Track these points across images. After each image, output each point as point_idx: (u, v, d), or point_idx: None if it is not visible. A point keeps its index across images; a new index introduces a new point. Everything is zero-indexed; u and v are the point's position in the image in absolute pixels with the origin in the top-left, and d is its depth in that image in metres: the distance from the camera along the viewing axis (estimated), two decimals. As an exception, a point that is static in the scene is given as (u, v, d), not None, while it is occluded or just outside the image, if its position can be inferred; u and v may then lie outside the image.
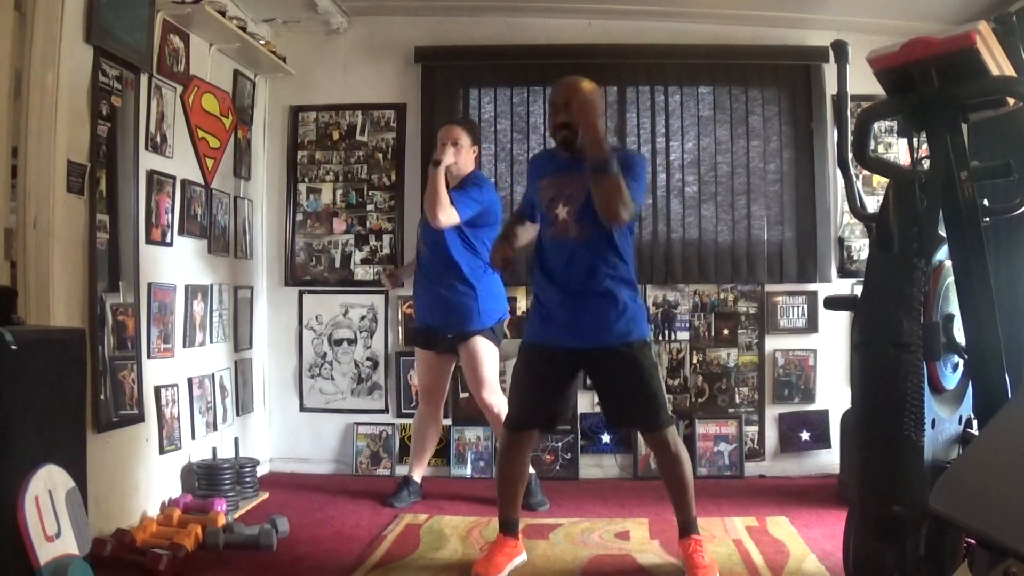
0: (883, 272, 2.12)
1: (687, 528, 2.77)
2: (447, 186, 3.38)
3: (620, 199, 2.53)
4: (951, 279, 2.11)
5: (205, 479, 3.44)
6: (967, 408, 2.19)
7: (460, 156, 3.48)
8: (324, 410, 4.36)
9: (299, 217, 4.42)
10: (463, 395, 4.24)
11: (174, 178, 3.51)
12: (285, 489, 3.88)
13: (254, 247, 4.34)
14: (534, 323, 2.83)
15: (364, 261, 4.37)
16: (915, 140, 2.10)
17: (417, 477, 3.74)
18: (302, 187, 4.41)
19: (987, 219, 2.05)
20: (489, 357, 3.51)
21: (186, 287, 3.61)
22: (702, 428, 4.23)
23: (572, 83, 2.73)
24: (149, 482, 3.25)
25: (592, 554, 2.94)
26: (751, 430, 4.27)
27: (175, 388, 3.48)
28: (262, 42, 4.02)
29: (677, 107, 4.33)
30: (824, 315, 4.23)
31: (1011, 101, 2.02)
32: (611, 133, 4.27)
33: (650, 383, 2.70)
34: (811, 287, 4.29)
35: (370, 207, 4.37)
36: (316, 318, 4.38)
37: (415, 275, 3.69)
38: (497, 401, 3.49)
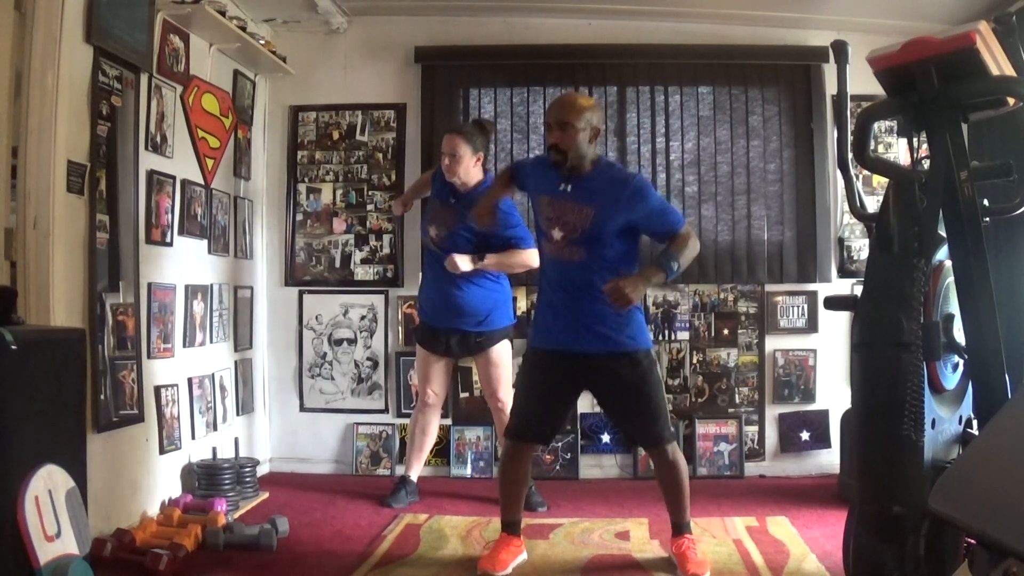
0: (883, 272, 2.12)
1: (680, 529, 2.84)
2: (458, 195, 3.47)
3: (690, 258, 2.69)
4: (951, 279, 2.11)
5: (205, 479, 3.44)
6: (967, 408, 2.19)
7: (460, 167, 3.43)
8: (324, 410, 4.35)
9: (299, 217, 4.41)
10: (463, 395, 4.25)
11: (174, 178, 3.51)
12: (285, 489, 3.88)
13: (254, 247, 4.34)
14: (540, 328, 2.84)
15: (364, 261, 4.37)
16: (915, 140, 2.10)
17: (414, 477, 3.74)
18: (302, 187, 4.41)
19: (987, 219, 2.05)
20: (509, 356, 3.62)
21: (186, 287, 3.61)
22: (702, 428, 4.23)
23: (564, 101, 2.74)
24: (149, 482, 3.25)
25: (592, 554, 2.94)
26: (751, 430, 4.27)
27: (175, 388, 3.48)
28: (262, 42, 4.01)
29: (677, 107, 4.33)
30: (824, 315, 4.22)
31: (1011, 101, 2.03)
32: (611, 133, 4.27)
33: (653, 399, 2.73)
34: (811, 287, 4.29)
35: (370, 207, 4.37)
36: (316, 318, 4.38)
37: (431, 278, 3.61)
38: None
